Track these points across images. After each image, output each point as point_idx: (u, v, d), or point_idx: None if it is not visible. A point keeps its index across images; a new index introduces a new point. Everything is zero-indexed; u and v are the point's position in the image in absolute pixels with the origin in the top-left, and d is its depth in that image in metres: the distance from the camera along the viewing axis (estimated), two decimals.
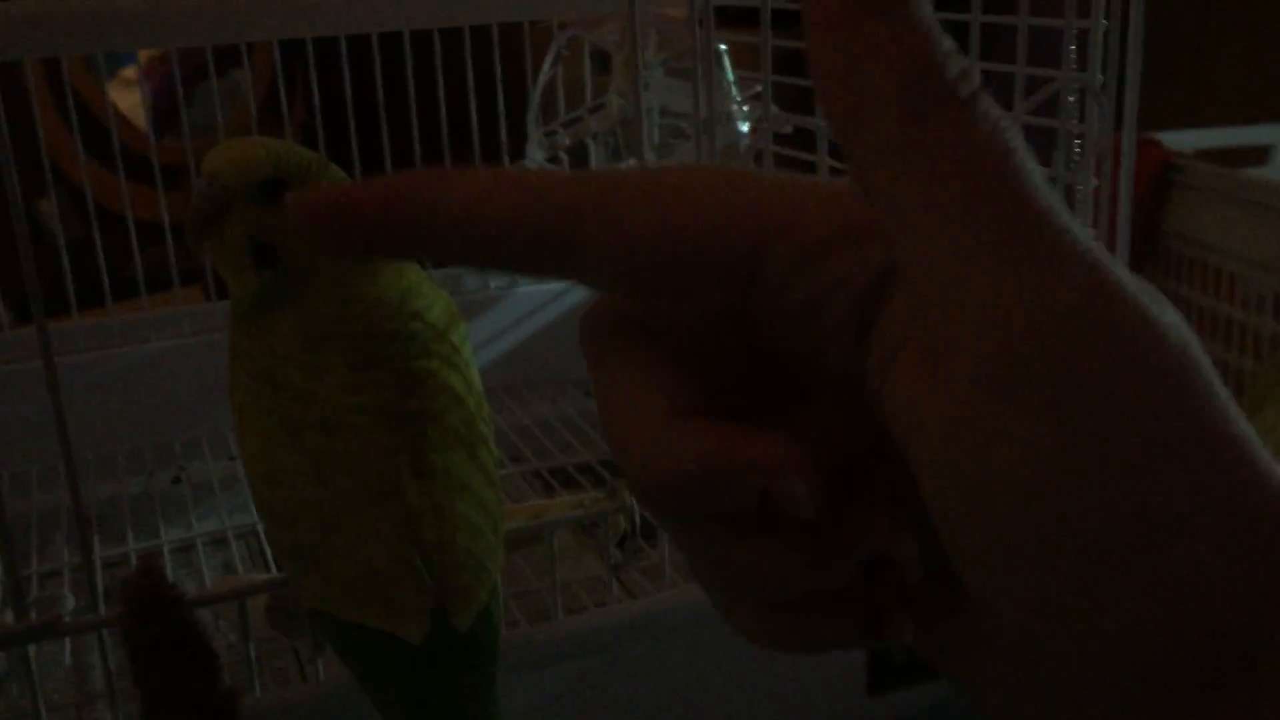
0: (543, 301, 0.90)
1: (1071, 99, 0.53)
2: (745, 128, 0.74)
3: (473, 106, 0.82)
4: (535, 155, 0.78)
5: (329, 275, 0.36)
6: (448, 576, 0.37)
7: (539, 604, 0.53)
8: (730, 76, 0.74)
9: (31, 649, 0.43)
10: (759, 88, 0.75)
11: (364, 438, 0.35)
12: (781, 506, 0.23)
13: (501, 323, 0.88)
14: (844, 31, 0.21)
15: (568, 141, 0.79)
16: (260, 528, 0.63)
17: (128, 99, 1.76)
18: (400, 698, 0.39)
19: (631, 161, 0.73)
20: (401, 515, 0.35)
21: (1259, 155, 1.34)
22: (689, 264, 0.24)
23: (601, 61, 0.79)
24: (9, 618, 0.46)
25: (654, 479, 0.25)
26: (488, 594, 0.39)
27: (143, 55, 1.73)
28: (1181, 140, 1.29)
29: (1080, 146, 0.51)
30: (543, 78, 0.78)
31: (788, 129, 0.72)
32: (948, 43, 0.21)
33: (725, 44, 0.76)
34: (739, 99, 0.73)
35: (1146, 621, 0.21)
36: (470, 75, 0.82)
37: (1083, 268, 0.20)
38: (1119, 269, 0.21)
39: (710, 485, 0.24)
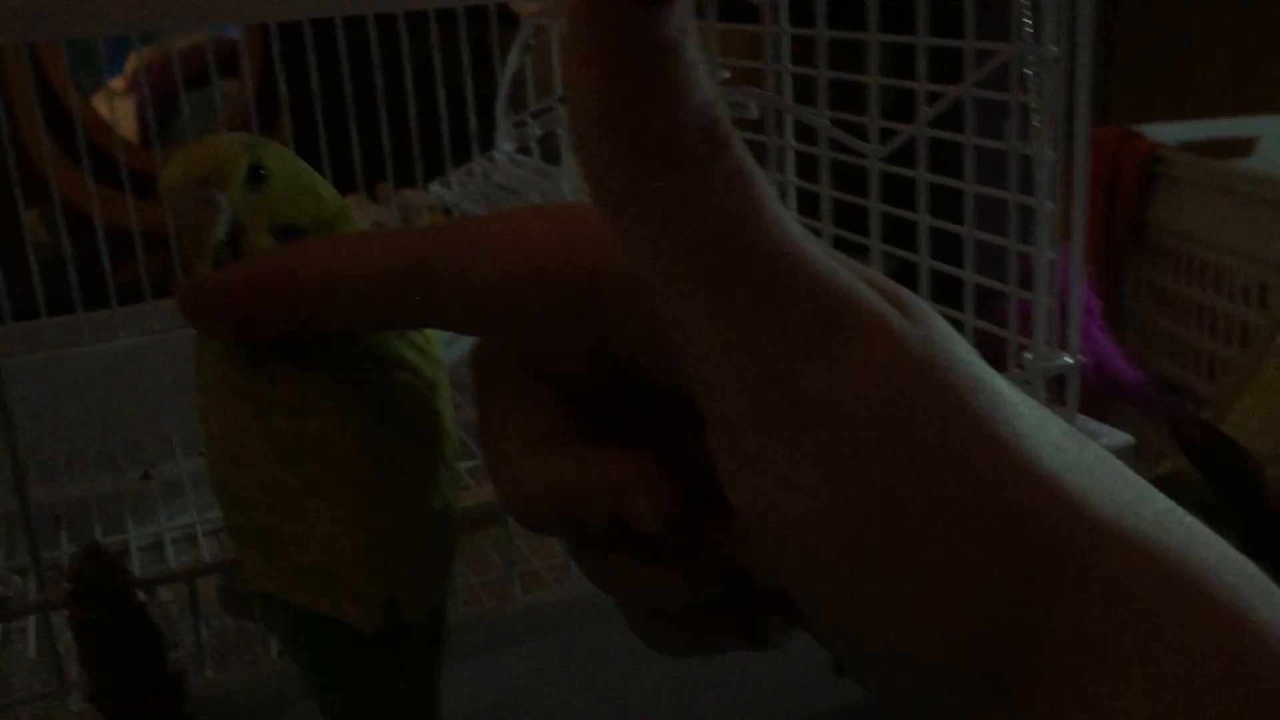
0: None
1: (1029, 71, 0.52)
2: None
3: (440, 99, 0.81)
4: (504, 146, 0.78)
5: None
6: (403, 568, 0.35)
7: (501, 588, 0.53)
8: None
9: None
10: (727, 74, 0.74)
11: (329, 422, 0.34)
12: (631, 524, 0.25)
13: None
14: (595, 80, 0.21)
15: (538, 132, 0.79)
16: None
17: (114, 110, 1.77)
18: (344, 688, 0.38)
19: None
20: (362, 503, 0.34)
21: (1244, 147, 1.33)
22: (528, 306, 0.26)
23: None
24: None
25: (517, 504, 0.27)
26: (442, 587, 0.38)
27: (129, 66, 1.74)
28: (1166, 133, 1.29)
29: (1036, 120, 0.51)
30: (510, 67, 0.78)
31: (753, 114, 0.72)
32: (699, 95, 0.21)
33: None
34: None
35: (907, 633, 0.22)
36: (438, 67, 0.81)
37: (813, 300, 0.21)
38: (864, 293, 0.22)
39: (565, 508, 0.25)
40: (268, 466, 0.34)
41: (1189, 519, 0.23)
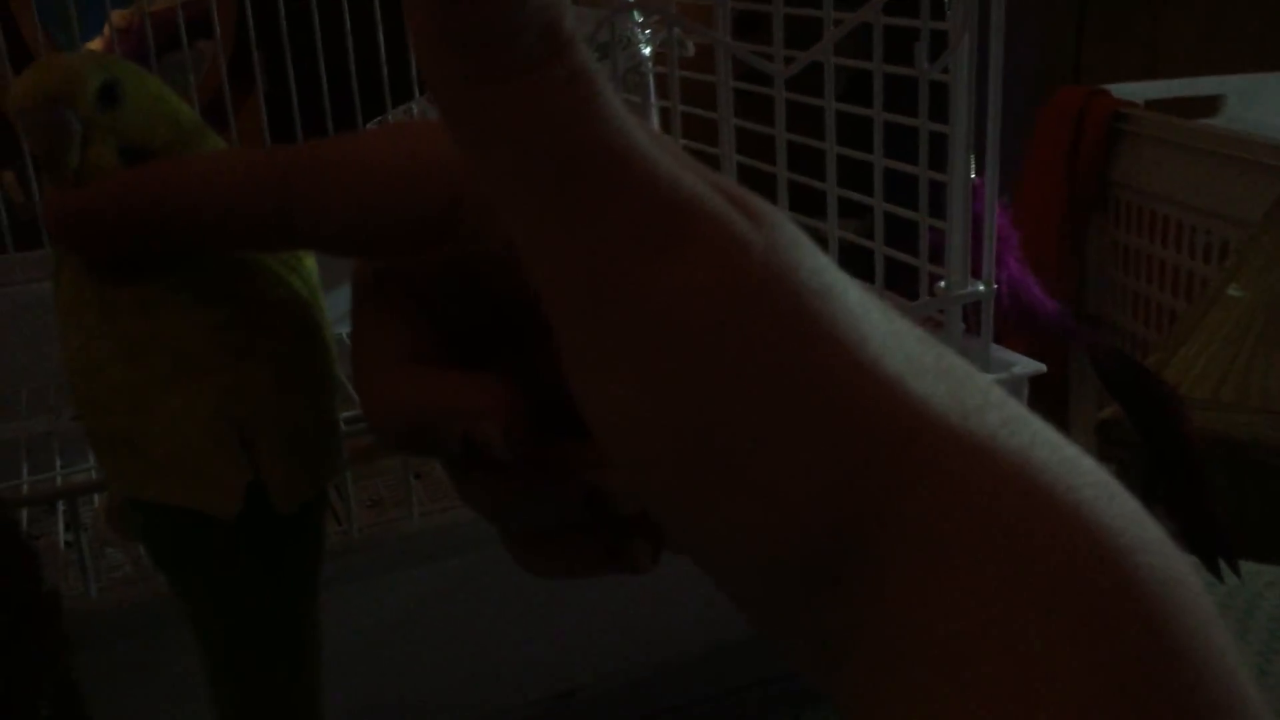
0: None
1: None
2: (648, 51, 0.72)
3: (380, 43, 0.80)
4: None
5: None
6: (269, 455, 0.34)
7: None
8: None
9: None
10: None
11: (181, 315, 0.33)
12: (480, 448, 0.25)
13: None
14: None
15: None
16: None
17: None
18: (211, 591, 0.36)
19: None
20: (219, 392, 0.33)
21: (1210, 106, 1.32)
22: (387, 222, 0.26)
23: None
24: None
25: (376, 422, 0.27)
26: (317, 480, 0.37)
27: (107, 28, 1.72)
28: (1132, 91, 1.27)
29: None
30: None
31: (689, 52, 0.70)
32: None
33: None
34: (640, 21, 0.71)
35: (740, 528, 0.22)
36: (378, 12, 0.80)
37: (650, 203, 0.21)
38: (707, 196, 0.21)
39: (420, 429, 0.25)
40: (117, 368, 0.33)
41: (1037, 424, 0.23)
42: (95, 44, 1.80)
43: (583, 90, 0.20)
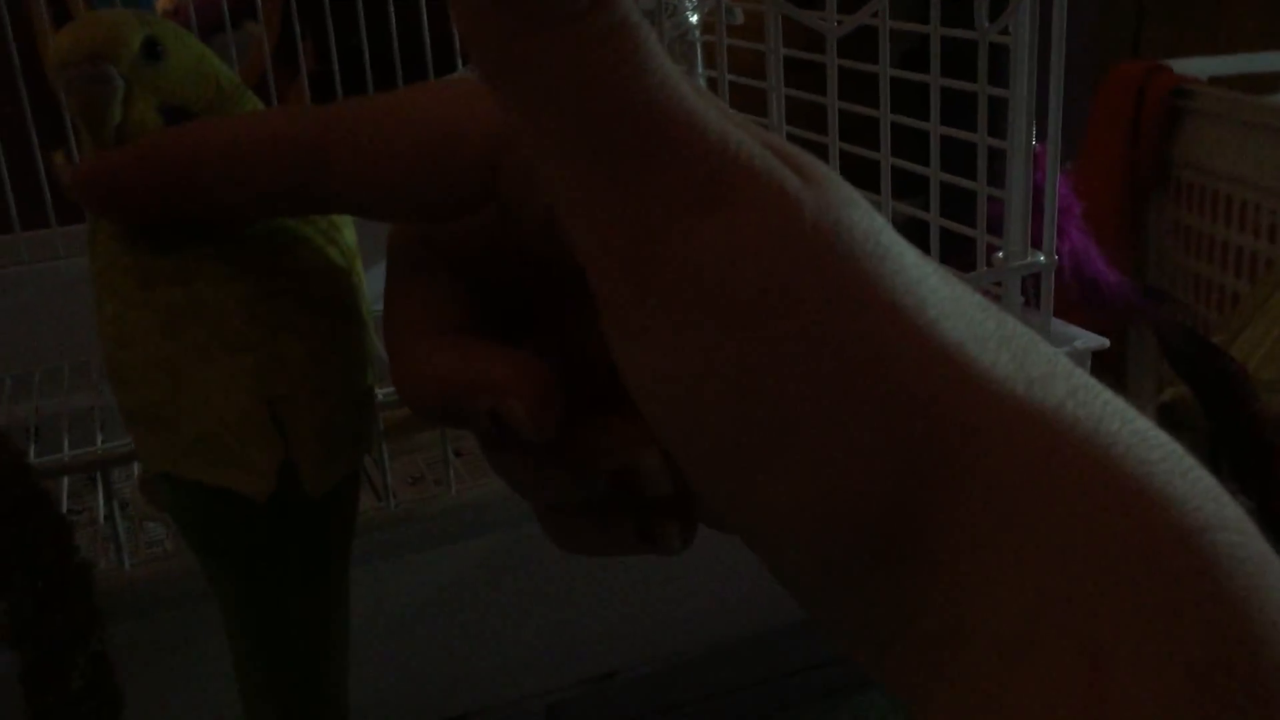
0: None
1: None
2: (695, 19, 0.70)
3: (424, 26, 0.78)
4: None
5: None
6: (302, 433, 0.33)
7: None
8: None
9: None
10: None
11: (219, 286, 0.32)
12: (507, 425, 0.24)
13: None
14: None
15: None
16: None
17: None
18: (238, 568, 0.35)
19: None
20: (253, 367, 0.32)
21: (1274, 83, 1.27)
22: (425, 183, 0.25)
23: None
24: None
25: (405, 392, 0.26)
26: (351, 460, 0.36)
27: (159, 7, 1.72)
28: (1194, 67, 1.23)
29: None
30: None
31: (737, 19, 0.68)
32: None
33: None
34: None
35: (787, 506, 0.21)
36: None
37: (694, 157, 0.20)
38: (755, 152, 0.20)
39: (447, 402, 0.25)
40: (153, 339, 0.32)
41: (1106, 394, 0.21)
42: None
43: (627, 42, 0.20)
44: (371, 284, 0.34)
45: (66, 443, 0.69)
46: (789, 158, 0.21)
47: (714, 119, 0.20)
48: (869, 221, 0.21)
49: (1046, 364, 0.21)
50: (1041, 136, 0.51)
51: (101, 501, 0.56)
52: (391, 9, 0.79)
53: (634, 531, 0.26)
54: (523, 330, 0.27)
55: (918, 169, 0.54)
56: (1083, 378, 0.22)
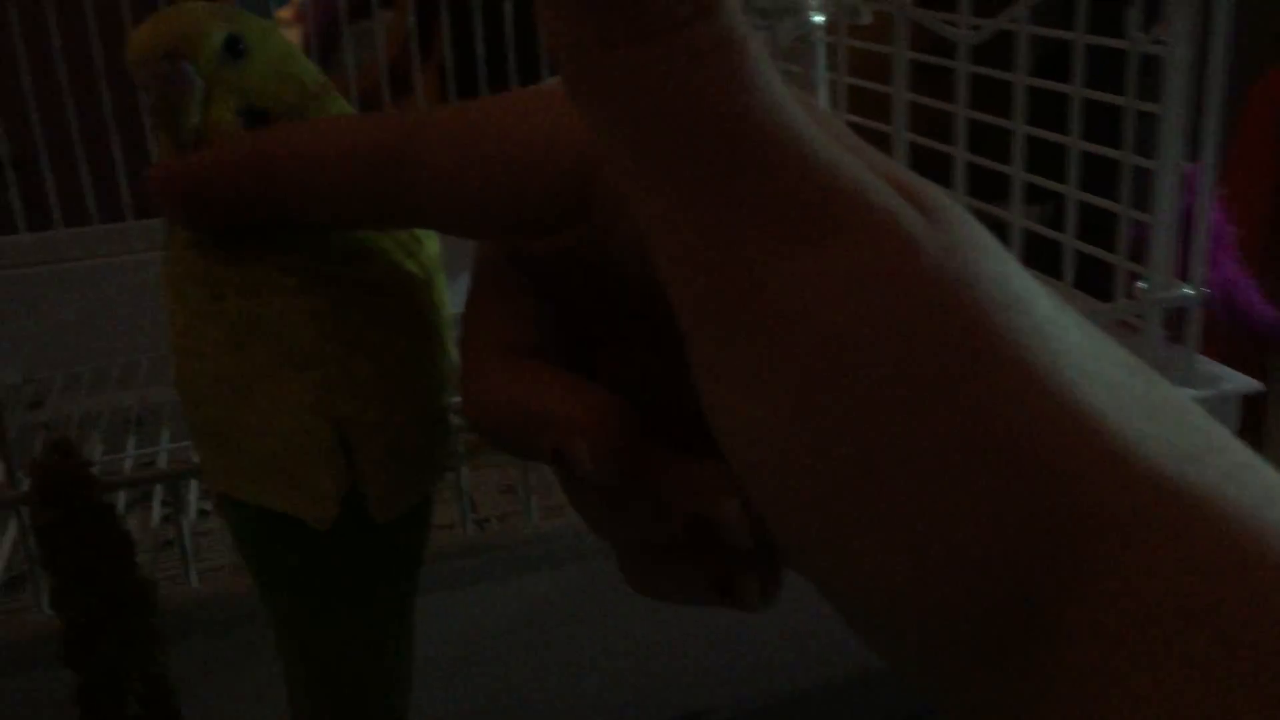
0: None
1: None
2: (820, 19, 0.66)
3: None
4: None
5: None
6: (370, 459, 0.31)
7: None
8: None
9: None
10: None
11: (289, 299, 0.30)
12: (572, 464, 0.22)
13: None
14: None
15: None
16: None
17: None
18: (298, 595, 0.34)
19: None
20: (321, 386, 0.30)
21: None
22: (510, 200, 0.23)
23: None
24: None
25: (472, 414, 0.25)
26: (421, 488, 0.33)
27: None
28: None
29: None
30: None
31: (863, 19, 0.64)
32: None
33: None
34: None
35: (890, 585, 0.19)
36: None
37: (802, 187, 0.18)
38: (871, 184, 0.19)
39: (512, 430, 0.23)
40: (221, 352, 0.31)
41: (1269, 475, 0.19)
42: (286, 12, 1.83)
43: (732, 56, 0.18)
44: (458, 293, 0.31)
45: (132, 441, 0.68)
46: (911, 191, 0.20)
47: (826, 144, 0.19)
48: (998, 265, 0.19)
49: (1200, 436, 0.19)
50: (1192, 155, 0.46)
51: (156, 514, 0.55)
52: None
53: (710, 582, 0.25)
54: (606, 355, 0.26)
55: (1053, 186, 0.49)
56: (1243, 454, 0.19)
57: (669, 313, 0.21)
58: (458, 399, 0.31)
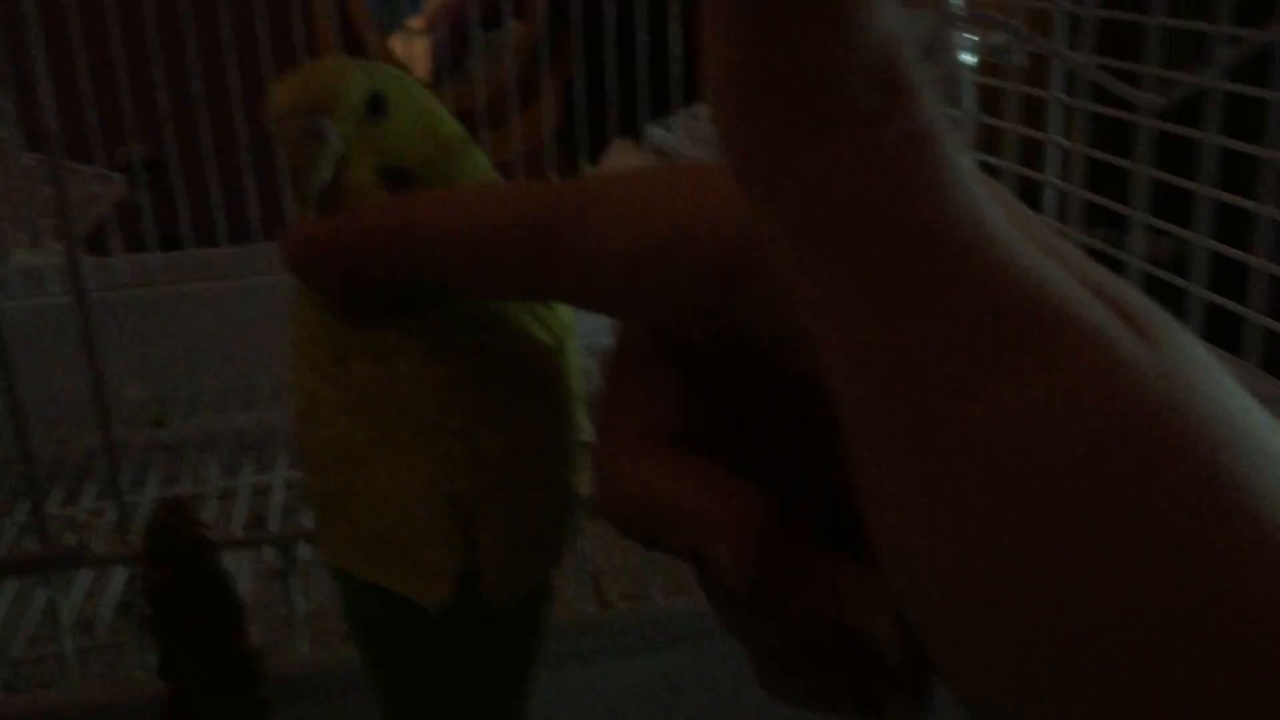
0: None
1: None
2: (972, 59, 0.62)
3: (677, 37, 0.73)
4: None
5: None
6: (490, 539, 0.30)
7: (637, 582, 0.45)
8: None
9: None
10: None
11: (415, 367, 0.29)
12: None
13: None
14: (734, 7, 0.16)
15: None
16: None
17: (409, 49, 1.79)
18: (406, 675, 0.32)
19: None
20: (443, 460, 0.29)
21: None
22: (660, 280, 0.22)
23: None
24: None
25: (603, 500, 0.23)
26: (543, 570, 0.31)
27: (427, 6, 1.75)
28: None
29: None
30: None
31: (1018, 62, 0.60)
32: (877, 29, 0.16)
33: None
34: (964, 23, 0.61)
35: None
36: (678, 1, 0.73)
37: (1002, 303, 0.17)
38: (1079, 299, 0.17)
39: (645, 526, 0.22)
40: (342, 418, 0.30)
41: None
42: (418, 21, 1.85)
43: (925, 152, 0.16)
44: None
45: (283, 460, 0.68)
46: (1121, 306, 0.18)
47: (1026, 251, 0.17)
48: (1224, 394, 0.17)
49: None
50: None
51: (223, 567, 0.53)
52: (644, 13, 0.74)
53: (851, 694, 0.23)
54: (750, 436, 0.25)
55: (1240, 256, 0.44)
56: None
57: (823, 399, 0.20)
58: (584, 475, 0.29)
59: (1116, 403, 0.16)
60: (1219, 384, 0.17)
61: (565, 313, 0.31)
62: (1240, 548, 0.16)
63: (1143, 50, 0.45)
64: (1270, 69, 0.41)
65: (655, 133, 0.72)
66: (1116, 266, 0.50)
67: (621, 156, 1.46)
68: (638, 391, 0.24)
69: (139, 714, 0.38)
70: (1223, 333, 0.44)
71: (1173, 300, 0.47)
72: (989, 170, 0.60)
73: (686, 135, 0.70)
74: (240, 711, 0.37)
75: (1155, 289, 0.48)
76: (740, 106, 0.17)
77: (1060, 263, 0.18)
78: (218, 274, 0.75)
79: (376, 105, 0.28)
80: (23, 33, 0.33)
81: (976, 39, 0.62)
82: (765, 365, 0.24)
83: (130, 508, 0.38)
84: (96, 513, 0.66)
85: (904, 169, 0.16)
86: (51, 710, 0.39)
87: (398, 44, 1.75)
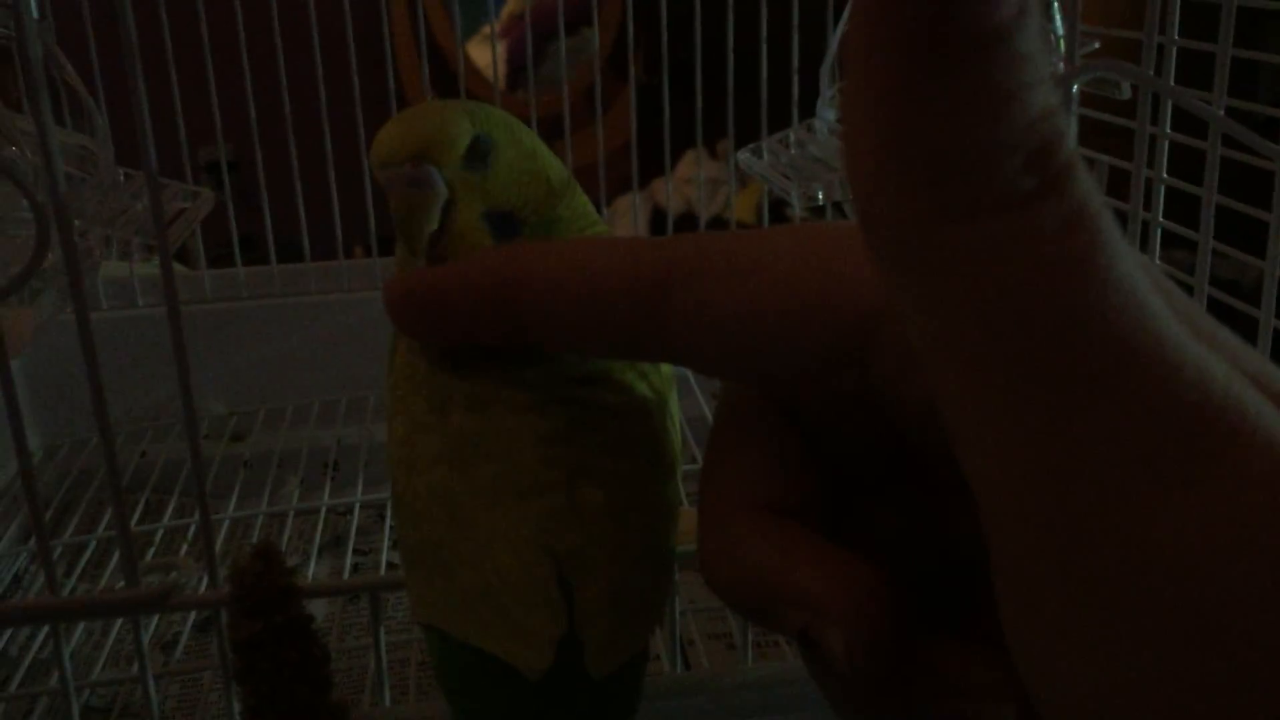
0: None
1: None
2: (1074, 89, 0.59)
3: (763, 58, 0.72)
4: (826, 115, 0.67)
5: (564, 237, 0.30)
6: (591, 603, 0.28)
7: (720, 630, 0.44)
8: (1057, 27, 0.60)
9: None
10: (1096, 44, 0.60)
11: (517, 419, 0.28)
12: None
13: None
14: (883, 83, 0.15)
15: None
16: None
17: (485, 55, 1.79)
18: None
19: None
20: (545, 516, 0.28)
21: None
22: (779, 347, 0.21)
23: None
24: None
25: (708, 574, 0.22)
26: (641, 635, 0.30)
27: (505, 12, 1.75)
28: None
29: None
30: (842, 27, 0.66)
31: (1124, 94, 0.57)
32: (1033, 106, 0.15)
33: None
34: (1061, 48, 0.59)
35: None
36: (764, 25, 0.71)
37: (1171, 408, 0.15)
38: (1249, 400, 0.15)
39: (756, 603, 0.21)
40: (438, 470, 0.29)
41: None
42: (494, 27, 1.85)
43: (1084, 240, 0.15)
44: None
45: (361, 483, 0.67)
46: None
47: (1190, 347, 0.16)
48: None
49: None
50: None
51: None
52: (730, 28, 0.72)
53: None
54: (866, 504, 0.23)
55: None
56: None
57: (947, 468, 0.19)
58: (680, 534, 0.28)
59: None
60: None
61: (666, 367, 0.30)
62: None
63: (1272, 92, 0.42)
64: None
65: (742, 157, 0.70)
66: (1189, 289, 0.48)
67: (691, 167, 1.45)
68: (744, 456, 0.23)
69: None
70: None
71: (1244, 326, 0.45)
72: None
73: (773, 161, 0.68)
74: None
75: (1223, 313, 0.46)
76: (885, 184, 0.16)
77: (1222, 354, 0.16)
78: (301, 290, 0.75)
79: (481, 150, 0.27)
80: (122, 52, 0.32)
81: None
82: (882, 432, 0.22)
83: (213, 528, 0.38)
84: (179, 530, 0.66)
85: (1065, 256, 0.15)
86: None
87: (475, 50, 1.75)
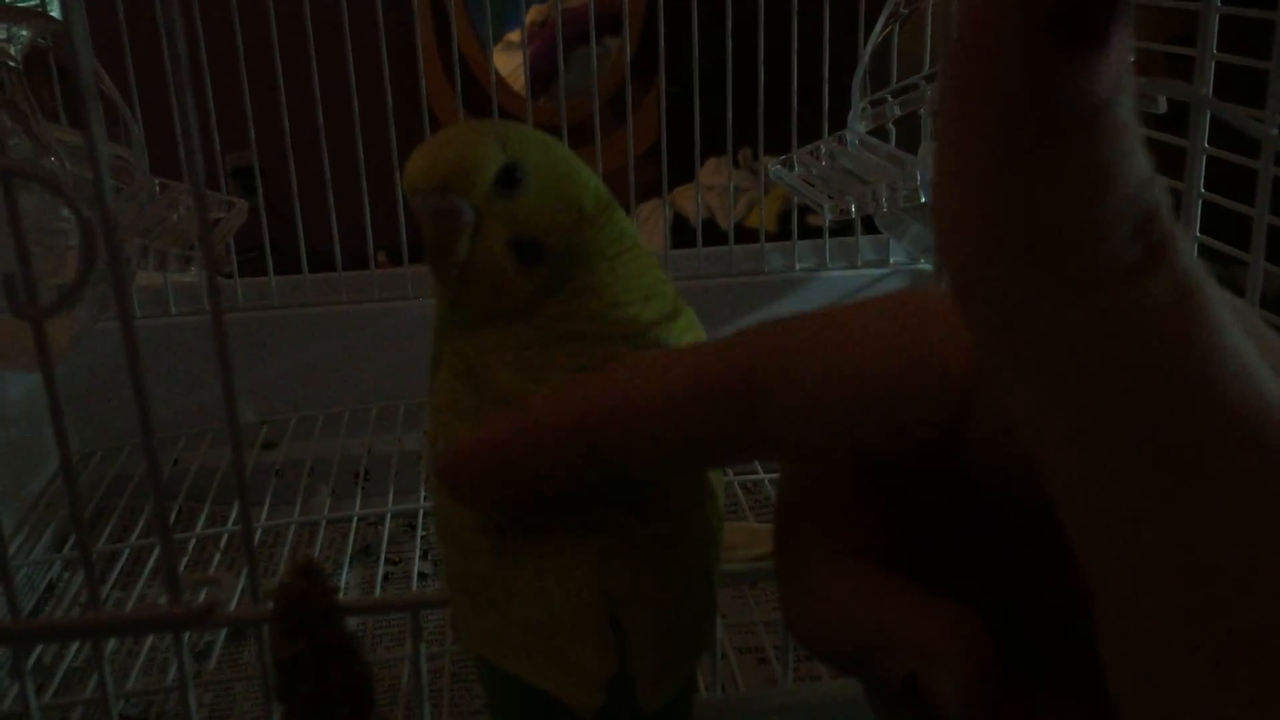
0: (856, 286, 0.79)
1: None
2: None
3: (794, 70, 0.71)
4: (856, 127, 0.66)
5: (592, 264, 0.29)
6: (642, 640, 0.28)
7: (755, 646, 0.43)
8: None
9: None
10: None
11: None
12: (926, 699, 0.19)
13: (807, 306, 0.78)
14: (986, 158, 0.15)
15: (897, 113, 0.66)
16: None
17: (510, 62, 1.78)
18: None
19: None
20: (594, 552, 0.27)
21: None
22: (883, 420, 0.20)
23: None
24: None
25: (795, 624, 0.21)
26: (689, 670, 0.30)
27: (529, 18, 1.74)
28: None
29: None
30: (874, 40, 0.66)
31: (1160, 109, 0.56)
32: (1133, 175, 0.15)
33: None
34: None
35: None
36: (795, 36, 0.71)
37: None
38: None
39: (851, 651, 0.20)
40: None
41: None
42: (514, 35, 1.84)
43: (1191, 312, 0.15)
44: None
45: (392, 492, 0.66)
46: None
47: None
48: None
49: None
50: None
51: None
52: (761, 34, 0.72)
53: None
54: (949, 563, 0.22)
55: None
56: None
57: (1027, 525, 0.19)
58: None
59: None
60: None
61: None
62: None
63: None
64: None
65: (774, 169, 0.69)
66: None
67: (714, 174, 1.44)
68: (825, 503, 0.22)
69: None
70: None
71: None
72: None
73: (804, 174, 0.67)
74: None
75: None
76: (991, 257, 0.15)
77: None
78: (333, 299, 0.74)
79: (511, 178, 0.27)
80: (168, 63, 0.32)
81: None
82: (962, 489, 0.22)
83: (257, 556, 0.37)
84: (212, 539, 0.66)
85: (1173, 328, 0.15)
86: None
87: (499, 57, 1.74)
